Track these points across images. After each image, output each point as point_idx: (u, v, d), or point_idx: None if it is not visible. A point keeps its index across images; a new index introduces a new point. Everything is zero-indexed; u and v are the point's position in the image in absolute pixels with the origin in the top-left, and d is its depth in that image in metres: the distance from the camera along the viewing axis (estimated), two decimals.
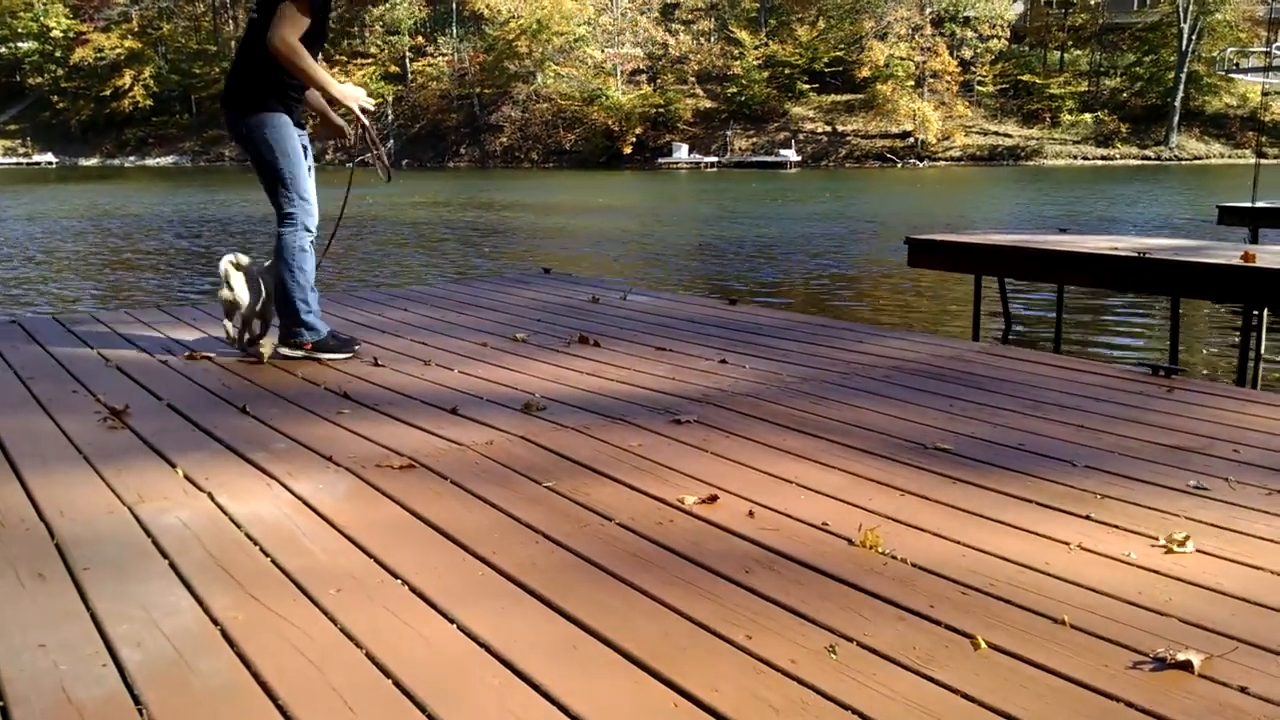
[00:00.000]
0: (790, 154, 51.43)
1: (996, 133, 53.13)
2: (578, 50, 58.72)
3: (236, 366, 4.04)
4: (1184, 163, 48.61)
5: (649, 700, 1.58)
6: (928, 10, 55.01)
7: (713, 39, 59.80)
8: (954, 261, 7.30)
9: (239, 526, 2.30)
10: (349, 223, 20.73)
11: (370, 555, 2.13)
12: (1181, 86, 51.24)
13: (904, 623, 1.84)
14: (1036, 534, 2.26)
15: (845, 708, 1.55)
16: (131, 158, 66.20)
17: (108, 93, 66.21)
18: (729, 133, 54.95)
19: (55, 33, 67.20)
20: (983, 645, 1.74)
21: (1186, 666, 1.65)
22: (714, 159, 52.62)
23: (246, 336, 4.25)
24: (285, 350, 4.13)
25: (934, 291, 10.49)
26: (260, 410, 3.33)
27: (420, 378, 3.84)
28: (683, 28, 60.44)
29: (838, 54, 55.33)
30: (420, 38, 64.07)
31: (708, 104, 56.75)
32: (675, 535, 2.25)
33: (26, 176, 49.49)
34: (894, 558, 2.13)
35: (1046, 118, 53.29)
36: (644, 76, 59.03)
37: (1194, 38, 51.79)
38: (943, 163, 51.16)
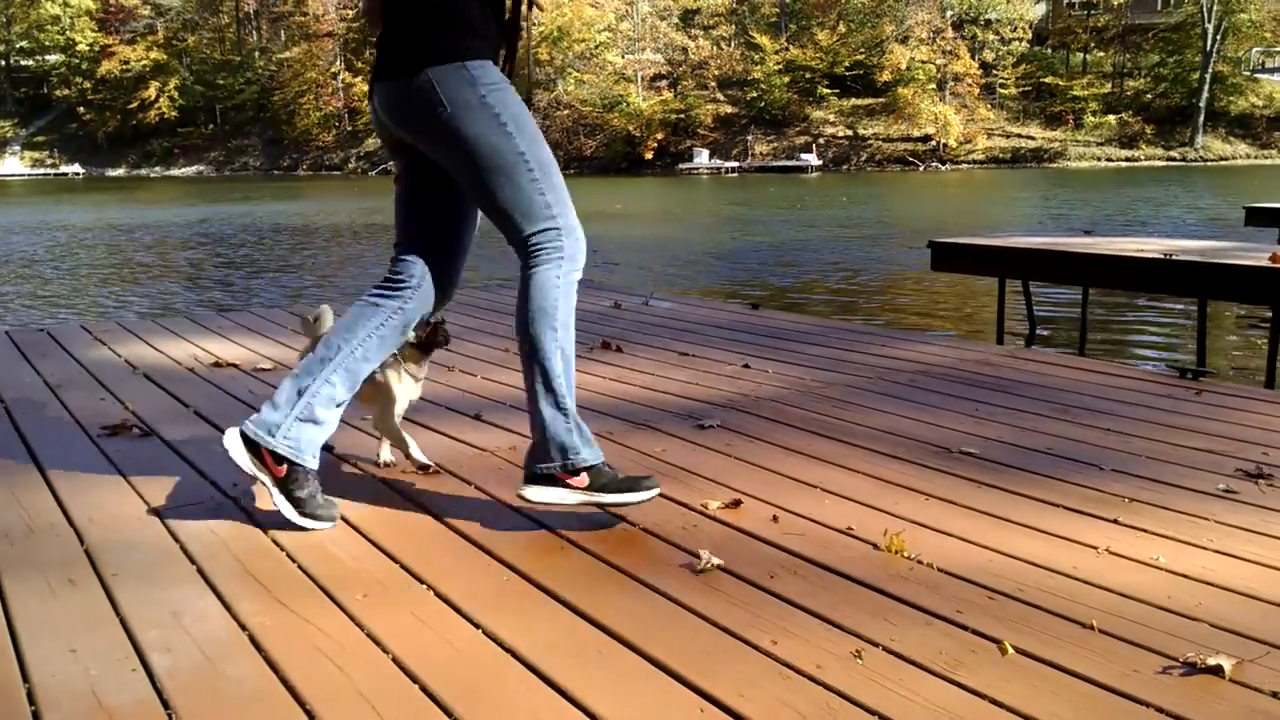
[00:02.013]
0: (811, 158, 51.34)
1: (1019, 135, 52.85)
2: (598, 57, 58.87)
3: (262, 374, 4.07)
4: (1209, 164, 48.18)
5: (675, 706, 1.58)
6: (949, 13, 54.84)
7: (733, 44, 59.81)
8: (977, 265, 7.25)
9: (266, 532, 2.31)
10: (365, 230, 20.85)
11: (396, 561, 2.14)
12: (1206, 87, 50.82)
13: (931, 628, 1.83)
14: (1064, 538, 2.24)
15: (872, 713, 1.55)
16: (157, 168, 66.88)
17: (134, 104, 66.98)
18: (749, 137, 54.91)
19: (81, 46, 68.06)
20: (1010, 650, 1.73)
21: (1217, 671, 1.64)
22: (734, 164, 52.58)
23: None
24: (537, 492, 2.31)
25: (957, 295, 10.43)
26: None
27: (444, 383, 3.86)
28: (702, 33, 60.47)
29: (858, 58, 55.21)
30: None
31: (728, 109, 56.75)
32: (700, 540, 2.25)
33: (54, 187, 50.06)
34: (920, 562, 2.12)
35: (1070, 120, 52.96)
36: (664, 82, 59.09)
37: (1219, 38, 51.36)
38: (965, 166, 50.92)
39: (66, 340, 4.84)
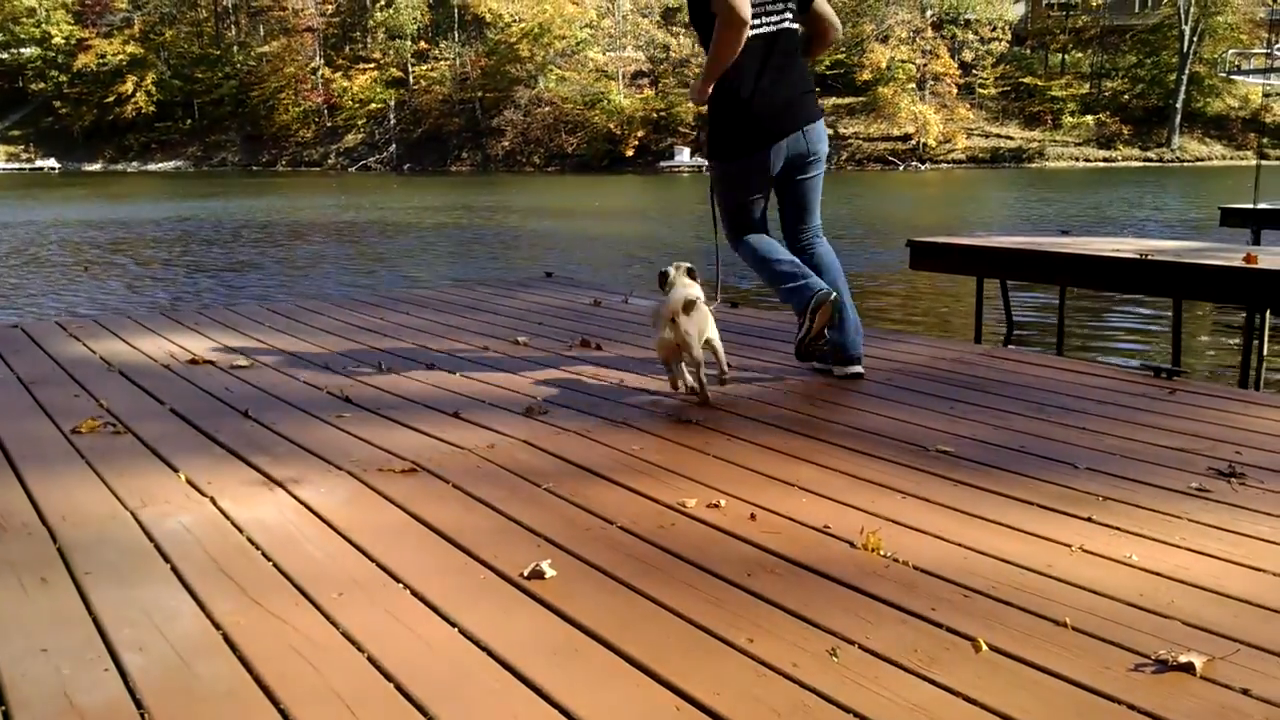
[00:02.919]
0: None
1: (998, 135, 53.13)
2: (579, 54, 58.76)
3: (238, 371, 4.05)
4: (1186, 164, 48.60)
5: (651, 703, 1.58)
6: (928, 13, 55.05)
7: None
8: (956, 264, 7.30)
9: (241, 531, 2.30)
10: (351, 228, 20.75)
11: (372, 559, 2.14)
12: (1183, 88, 51.26)
13: (905, 625, 1.84)
14: (1038, 536, 2.25)
15: (847, 710, 1.55)
16: (134, 163, 66.31)
17: (110, 99, 66.35)
18: None
19: (57, 39, 67.31)
20: (984, 648, 1.74)
21: (1188, 669, 1.65)
22: None
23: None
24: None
25: (936, 294, 10.48)
26: (262, 414, 3.33)
27: (422, 381, 3.84)
28: (684, 30, 60.30)
29: (838, 57, 55.24)
30: (423, 42, 64.17)
31: None
32: (677, 538, 2.25)
33: (29, 182, 49.58)
34: (895, 560, 2.13)
35: (1048, 120, 53.29)
36: (646, 80, 59.05)
37: (1195, 40, 51.80)
38: (944, 165, 51.16)
39: (41, 336, 4.80)
